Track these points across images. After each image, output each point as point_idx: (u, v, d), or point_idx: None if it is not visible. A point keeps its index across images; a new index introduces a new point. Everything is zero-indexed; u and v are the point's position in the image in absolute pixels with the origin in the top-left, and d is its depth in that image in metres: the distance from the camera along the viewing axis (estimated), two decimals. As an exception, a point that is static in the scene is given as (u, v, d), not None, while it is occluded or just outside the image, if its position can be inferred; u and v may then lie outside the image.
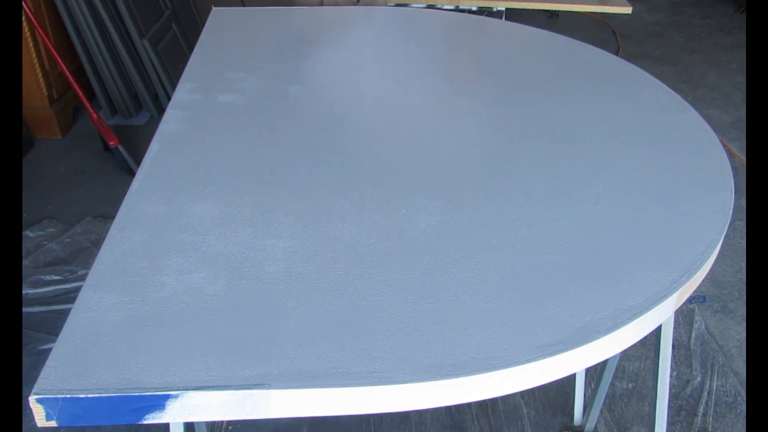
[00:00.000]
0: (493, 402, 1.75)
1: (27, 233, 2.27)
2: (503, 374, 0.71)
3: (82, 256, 2.14)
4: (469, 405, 1.73)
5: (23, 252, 2.18)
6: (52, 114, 2.84)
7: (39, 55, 2.72)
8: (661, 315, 0.82)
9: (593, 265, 0.85)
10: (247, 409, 0.68)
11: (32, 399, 0.65)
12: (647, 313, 0.79)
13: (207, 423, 1.53)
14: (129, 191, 0.95)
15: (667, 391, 1.04)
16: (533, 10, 2.68)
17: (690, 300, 2.08)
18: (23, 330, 1.90)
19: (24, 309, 1.97)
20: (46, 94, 2.78)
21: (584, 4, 2.40)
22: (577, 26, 4.17)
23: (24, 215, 2.36)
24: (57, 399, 0.66)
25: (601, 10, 2.46)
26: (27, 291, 2.03)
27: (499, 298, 0.80)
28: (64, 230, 2.28)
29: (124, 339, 0.72)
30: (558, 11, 4.07)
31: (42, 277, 2.08)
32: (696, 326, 2.00)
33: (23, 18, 2.56)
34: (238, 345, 0.71)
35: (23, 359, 1.79)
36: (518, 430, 1.69)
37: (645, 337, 0.83)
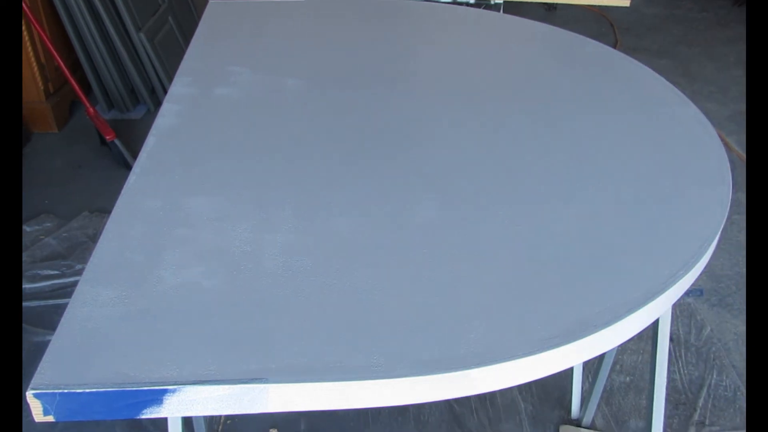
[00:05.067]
0: (491, 395, 1.75)
1: (24, 228, 2.27)
2: (501, 368, 0.71)
3: (79, 250, 2.14)
4: (467, 398, 1.73)
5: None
6: (49, 108, 2.83)
7: (35, 48, 2.71)
8: (659, 308, 0.82)
9: (590, 258, 0.85)
10: (245, 403, 0.68)
11: (29, 394, 0.65)
12: (644, 307, 0.79)
13: (205, 417, 1.53)
14: (126, 185, 0.95)
15: (665, 384, 1.05)
16: (531, 3, 2.67)
17: (687, 293, 2.08)
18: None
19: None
20: (42, 88, 2.78)
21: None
22: (575, 19, 4.17)
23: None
24: (54, 394, 0.65)
25: (600, 3, 2.46)
26: (24, 285, 2.03)
27: (496, 293, 0.80)
28: (60, 225, 2.28)
29: (121, 334, 0.71)
30: (556, 4, 4.07)
31: (39, 271, 2.08)
32: (694, 320, 2.01)
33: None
34: (236, 339, 0.71)
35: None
36: (516, 424, 1.69)
37: (642, 331, 0.83)
